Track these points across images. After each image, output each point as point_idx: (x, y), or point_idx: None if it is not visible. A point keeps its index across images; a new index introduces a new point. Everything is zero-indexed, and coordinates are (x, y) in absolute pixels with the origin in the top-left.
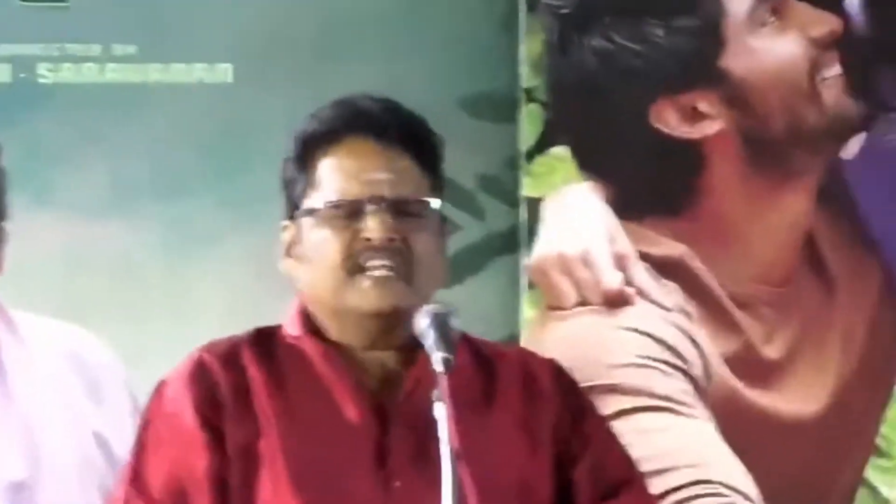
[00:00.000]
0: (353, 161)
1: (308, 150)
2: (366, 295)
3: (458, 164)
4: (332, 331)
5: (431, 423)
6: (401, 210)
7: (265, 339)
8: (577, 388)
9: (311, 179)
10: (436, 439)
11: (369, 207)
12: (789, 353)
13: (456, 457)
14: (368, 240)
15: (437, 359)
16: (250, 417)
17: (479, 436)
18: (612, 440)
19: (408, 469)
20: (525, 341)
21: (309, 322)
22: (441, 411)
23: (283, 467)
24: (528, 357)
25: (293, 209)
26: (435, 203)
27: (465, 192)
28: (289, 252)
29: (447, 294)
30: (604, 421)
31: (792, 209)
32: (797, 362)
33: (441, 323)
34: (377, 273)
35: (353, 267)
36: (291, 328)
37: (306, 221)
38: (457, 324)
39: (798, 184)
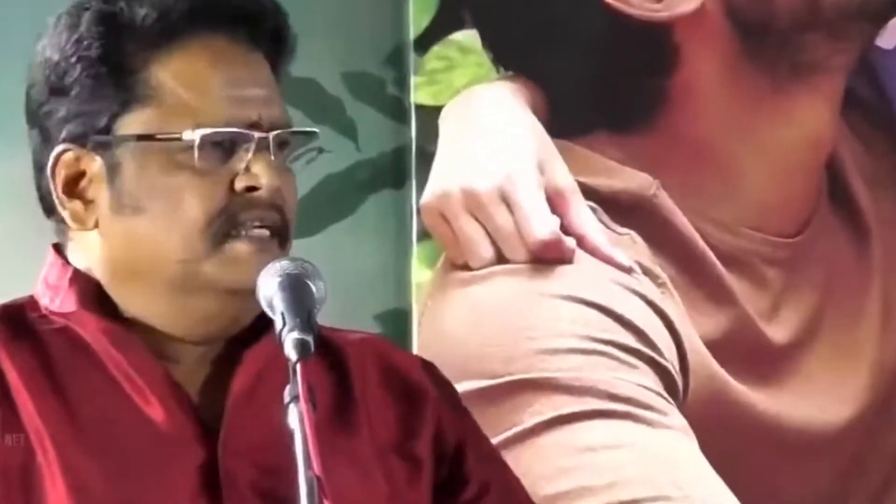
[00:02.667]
0: (212, 70)
1: (127, 49)
2: (245, 265)
3: (320, 58)
4: (143, 310)
5: (277, 437)
6: (278, 145)
7: (17, 319)
8: (456, 394)
9: (136, 92)
10: (278, 461)
11: (248, 143)
12: (804, 334)
13: (318, 484)
14: (252, 189)
15: (290, 341)
16: (15, 428)
17: (335, 460)
18: (504, 469)
19: (250, 500)
20: (417, 316)
21: (93, 293)
22: (296, 417)
23: (67, 492)
24: (386, 349)
25: (84, 130)
26: (316, 135)
27: (328, 100)
28: (70, 191)
29: (304, 247)
30: (488, 441)
31: (806, 123)
32: (815, 347)
33: (296, 288)
34: (257, 233)
35: (227, 226)
36: (59, 302)
37: (128, 152)
38: (321, 290)
39: (815, 86)
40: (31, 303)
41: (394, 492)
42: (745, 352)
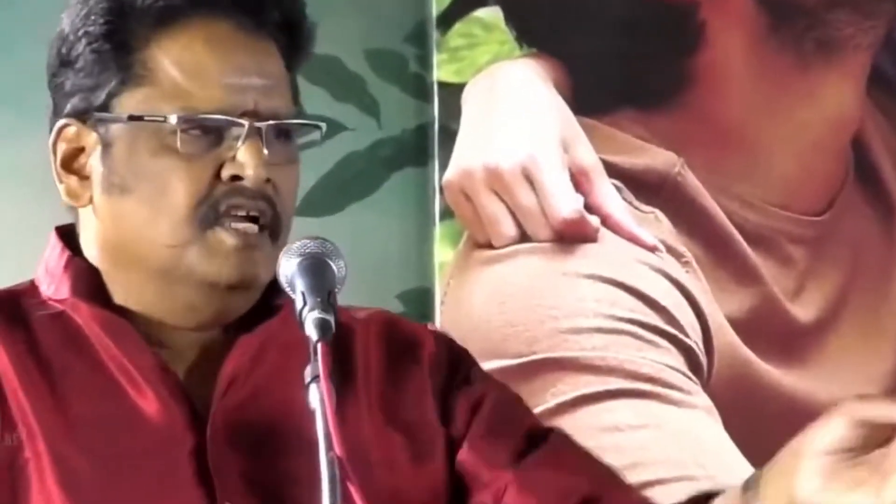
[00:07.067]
0: (211, 55)
1: (129, 28)
2: (226, 259)
3: (341, 34)
4: (135, 295)
5: (269, 423)
6: (276, 135)
7: (11, 305)
8: (468, 360)
9: (134, 71)
10: (272, 445)
11: (239, 130)
12: (829, 314)
13: (341, 467)
14: (237, 178)
15: (311, 320)
16: (7, 424)
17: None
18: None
19: (240, 487)
20: (440, 295)
21: (86, 279)
22: (317, 397)
23: (56, 487)
24: (392, 320)
25: (85, 106)
26: (320, 128)
27: (351, 77)
28: (69, 166)
29: (325, 225)
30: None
31: (832, 101)
32: (841, 327)
33: (317, 267)
34: (242, 226)
35: (210, 215)
36: (54, 288)
37: (121, 131)
38: (342, 269)
39: (840, 64)
40: (31, 289)
41: (395, 472)
42: (769, 331)
